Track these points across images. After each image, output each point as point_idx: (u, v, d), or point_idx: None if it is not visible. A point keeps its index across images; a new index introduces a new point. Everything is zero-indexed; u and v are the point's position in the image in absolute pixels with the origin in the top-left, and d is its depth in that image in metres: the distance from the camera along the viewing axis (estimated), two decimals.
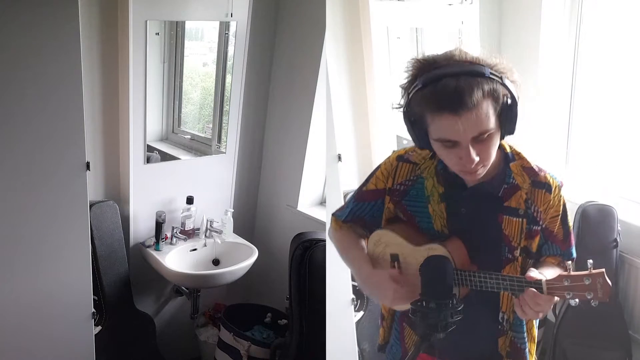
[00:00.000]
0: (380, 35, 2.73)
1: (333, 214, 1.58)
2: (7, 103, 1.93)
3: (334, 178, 2.11)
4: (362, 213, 1.51)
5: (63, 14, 1.94)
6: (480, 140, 1.21)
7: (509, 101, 1.22)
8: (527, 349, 1.42)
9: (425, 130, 1.26)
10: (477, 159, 1.21)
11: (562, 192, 1.36)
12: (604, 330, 2.60)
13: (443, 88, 1.18)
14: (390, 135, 2.86)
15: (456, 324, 1.22)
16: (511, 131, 1.26)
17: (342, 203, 1.96)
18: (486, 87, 1.18)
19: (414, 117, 1.28)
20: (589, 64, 2.96)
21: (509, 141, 1.35)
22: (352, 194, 1.54)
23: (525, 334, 1.42)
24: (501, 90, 1.21)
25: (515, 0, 3.07)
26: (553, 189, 1.34)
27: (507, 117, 1.23)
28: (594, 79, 2.96)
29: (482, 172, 1.26)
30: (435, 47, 2.84)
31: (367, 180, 1.50)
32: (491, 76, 1.20)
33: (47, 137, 2.02)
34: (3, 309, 2.01)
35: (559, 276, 1.21)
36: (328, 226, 1.61)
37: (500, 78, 1.21)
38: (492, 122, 1.20)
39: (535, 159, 1.38)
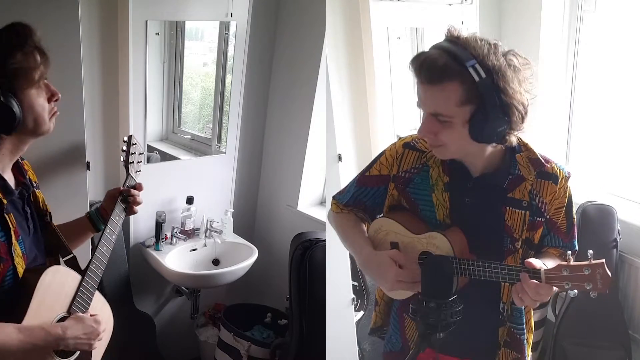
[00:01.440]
0: (380, 35, 2.73)
1: (333, 197, 1.57)
2: None
3: (334, 178, 2.11)
4: (363, 198, 1.51)
5: (63, 14, 1.94)
6: (439, 121, 1.24)
7: (486, 103, 1.19)
8: (525, 339, 1.43)
9: None
10: (426, 133, 1.26)
11: (569, 184, 1.37)
12: (604, 330, 2.60)
13: (421, 57, 1.23)
14: (390, 135, 2.86)
15: (456, 323, 1.22)
16: (476, 136, 1.23)
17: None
18: (456, 69, 1.18)
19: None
20: (589, 64, 2.97)
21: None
22: (354, 178, 1.54)
23: (524, 325, 1.42)
24: (482, 86, 1.18)
25: (515, 0, 3.08)
26: (559, 180, 1.35)
27: (477, 120, 1.21)
28: (594, 79, 2.97)
29: (441, 151, 1.31)
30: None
31: (370, 166, 1.50)
32: (475, 68, 1.18)
33: (47, 137, 2.02)
34: None
35: (558, 266, 1.21)
36: (328, 209, 1.61)
37: (489, 73, 1.19)
38: (451, 109, 1.21)
39: (542, 151, 1.38)
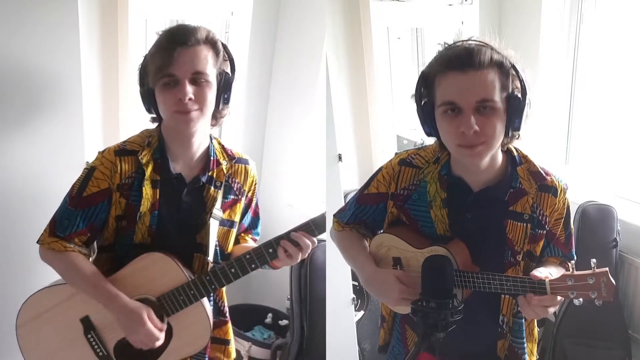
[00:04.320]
0: (380, 35, 2.73)
1: (334, 216, 1.58)
2: (6, 103, 1.93)
3: (334, 178, 2.11)
4: (363, 216, 1.51)
5: (62, 11, 1.94)
6: (483, 112, 1.21)
7: (518, 92, 1.24)
8: (525, 354, 1.42)
9: (433, 107, 1.27)
10: (476, 128, 1.20)
11: (567, 195, 1.37)
12: (604, 330, 2.60)
13: (453, 49, 1.24)
14: (390, 135, 2.87)
15: (456, 323, 1.22)
16: (517, 125, 1.25)
17: (342, 203, 1.96)
18: (495, 57, 1.21)
19: (425, 93, 1.29)
20: (589, 63, 2.97)
21: (515, 144, 1.36)
22: (353, 196, 1.54)
23: (525, 339, 1.42)
24: (511, 74, 1.23)
25: (516, 0, 3.08)
26: (559, 193, 1.35)
27: (515, 108, 1.23)
28: (594, 79, 2.97)
29: (483, 150, 1.24)
30: (435, 47, 2.85)
31: (368, 183, 1.49)
32: (505, 61, 1.23)
33: (46, 137, 2.02)
34: (4, 309, 2.01)
35: (563, 276, 1.22)
36: (329, 227, 1.61)
37: (514, 66, 1.24)
38: (497, 94, 1.21)
39: (541, 162, 1.38)
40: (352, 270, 2.22)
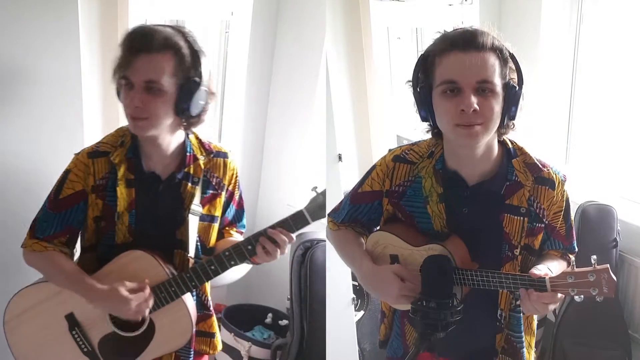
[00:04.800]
0: (380, 35, 2.73)
1: (329, 215, 1.56)
2: (6, 102, 1.93)
3: (334, 178, 2.11)
4: (358, 215, 1.50)
5: (62, 12, 1.95)
6: (482, 94, 1.21)
7: (515, 83, 1.24)
8: (523, 348, 1.42)
9: (430, 91, 1.26)
10: (476, 106, 1.20)
11: (565, 187, 1.36)
12: (604, 330, 2.60)
13: (455, 31, 1.25)
14: (390, 135, 2.87)
15: (456, 323, 1.22)
16: (512, 114, 1.26)
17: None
18: (496, 43, 1.23)
19: (422, 78, 1.28)
20: (589, 63, 2.97)
21: (511, 137, 1.36)
22: (347, 194, 1.53)
23: (523, 332, 1.42)
24: (509, 65, 1.24)
25: (515, 0, 3.08)
26: (556, 185, 1.34)
27: (511, 96, 1.24)
28: (594, 78, 2.97)
29: (480, 131, 1.23)
30: None
31: (362, 181, 1.48)
32: (504, 49, 1.24)
33: (46, 136, 2.02)
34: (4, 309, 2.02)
35: (563, 273, 1.22)
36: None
37: (512, 56, 1.25)
38: (496, 77, 1.22)
39: (537, 154, 1.37)
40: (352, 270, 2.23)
